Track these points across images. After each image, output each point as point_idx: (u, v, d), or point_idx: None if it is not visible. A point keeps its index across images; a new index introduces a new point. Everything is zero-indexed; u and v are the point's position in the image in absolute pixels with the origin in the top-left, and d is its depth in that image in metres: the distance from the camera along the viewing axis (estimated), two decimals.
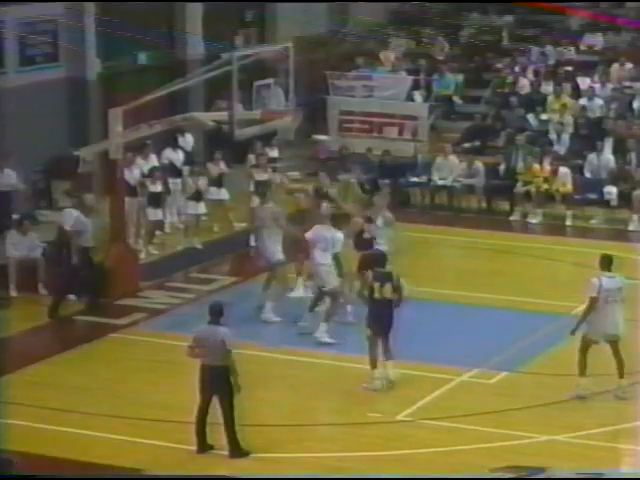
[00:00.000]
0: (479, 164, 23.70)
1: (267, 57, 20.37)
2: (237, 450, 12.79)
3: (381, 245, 16.66)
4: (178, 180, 21.63)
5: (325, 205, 17.62)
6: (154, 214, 20.34)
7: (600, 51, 27.24)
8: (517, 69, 26.60)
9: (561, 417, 13.91)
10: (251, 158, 22.20)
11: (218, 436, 12.93)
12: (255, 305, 17.21)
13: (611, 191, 22.49)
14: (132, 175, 20.16)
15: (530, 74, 26.39)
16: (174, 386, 14.54)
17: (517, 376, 15.15)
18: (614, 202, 22.44)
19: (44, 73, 22.01)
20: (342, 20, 28.73)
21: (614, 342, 14.37)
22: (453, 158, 23.95)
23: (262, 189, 18.28)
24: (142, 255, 19.69)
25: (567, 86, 25.44)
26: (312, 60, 25.10)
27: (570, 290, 17.82)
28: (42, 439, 13.19)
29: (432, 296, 17.60)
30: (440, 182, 23.71)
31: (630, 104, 24.68)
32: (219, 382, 12.65)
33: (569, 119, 24.48)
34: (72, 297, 17.91)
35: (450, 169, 23.82)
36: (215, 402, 12.81)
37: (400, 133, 25.66)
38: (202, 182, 21.08)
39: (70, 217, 18.18)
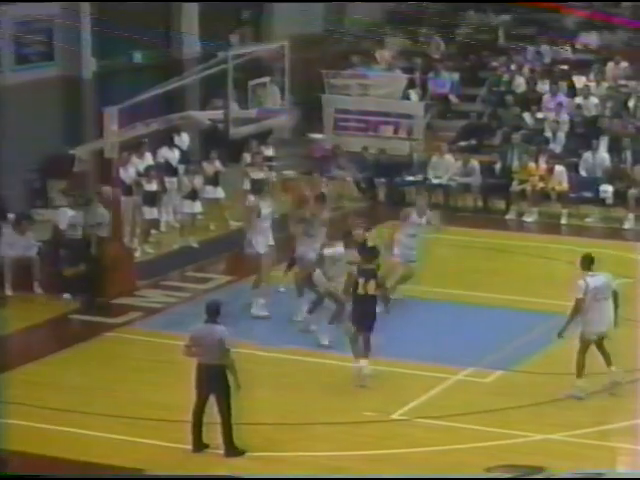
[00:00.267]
0: (475, 163, 23.72)
1: (263, 56, 20.42)
2: (233, 449, 12.80)
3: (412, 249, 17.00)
4: (174, 179, 21.62)
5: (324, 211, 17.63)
6: (149, 213, 20.34)
7: (596, 50, 27.25)
8: (513, 68, 26.61)
9: (557, 416, 13.92)
10: (246, 157, 22.21)
11: (214, 435, 12.93)
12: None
13: (606, 189, 22.51)
14: (127, 174, 20.16)
15: (526, 73, 26.39)
16: (171, 385, 14.52)
17: (513, 375, 15.15)
18: (609, 200, 22.47)
19: (39, 72, 21.98)
20: (338, 19, 28.71)
21: (601, 340, 14.45)
22: (449, 157, 23.96)
23: (258, 187, 18.26)
24: (138, 254, 19.69)
25: (563, 85, 25.46)
26: (308, 59, 25.08)
27: (565, 289, 17.75)
28: (38, 438, 13.17)
29: (428, 295, 17.63)
30: (436, 181, 23.72)
31: (625, 103, 24.71)
32: (216, 381, 12.64)
33: (565, 117, 24.51)
34: (67, 296, 17.92)
35: (446, 168, 23.84)
36: (212, 401, 12.81)
37: (396, 132, 25.67)
38: (198, 181, 21.08)
39: (65, 216, 18.19)
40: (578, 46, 27.50)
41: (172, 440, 13.10)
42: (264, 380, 14.86)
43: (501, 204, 23.13)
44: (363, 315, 14.80)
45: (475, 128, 25.48)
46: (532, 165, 23.02)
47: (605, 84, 25.37)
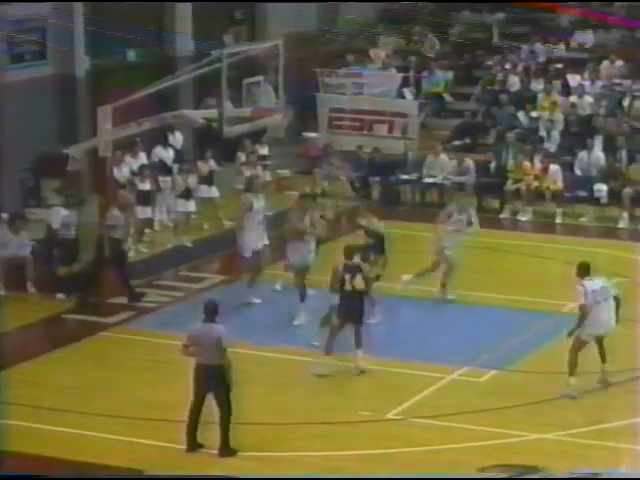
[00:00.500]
0: (469, 162, 23.70)
1: (257, 55, 20.35)
2: (227, 449, 12.77)
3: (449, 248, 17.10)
4: (168, 178, 21.58)
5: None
6: (143, 212, 20.30)
7: (590, 48, 27.24)
8: (507, 66, 26.59)
9: (551, 415, 13.92)
10: (241, 156, 22.17)
11: (207, 435, 12.90)
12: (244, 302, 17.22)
13: (601, 189, 22.50)
14: (121, 173, 20.11)
15: (520, 71, 26.37)
16: (167, 385, 14.51)
17: (507, 374, 15.14)
18: (604, 200, 22.46)
19: (33, 70, 21.92)
20: (332, 18, 28.67)
21: (601, 338, 14.51)
22: (443, 156, 23.94)
23: (250, 184, 18.28)
24: (131, 253, 19.64)
25: (557, 83, 25.44)
26: (302, 58, 25.05)
27: (560, 288, 17.84)
28: (34, 438, 13.13)
29: (422, 294, 17.59)
30: (430, 180, 23.71)
31: (620, 101, 24.69)
32: (214, 380, 12.62)
33: (559, 116, 24.50)
34: (60, 296, 17.88)
35: (440, 167, 23.82)
36: (208, 401, 12.77)
37: (390, 130, 25.64)
38: (192, 180, 21.04)
39: (58, 216, 18.14)
40: (573, 45, 27.49)
41: (169, 440, 13.08)
42: (259, 379, 14.82)
43: (495, 203, 23.11)
44: (350, 311, 14.90)
45: (469, 127, 25.46)
46: (527, 164, 23.00)
47: (599, 83, 25.35)
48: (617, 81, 25.42)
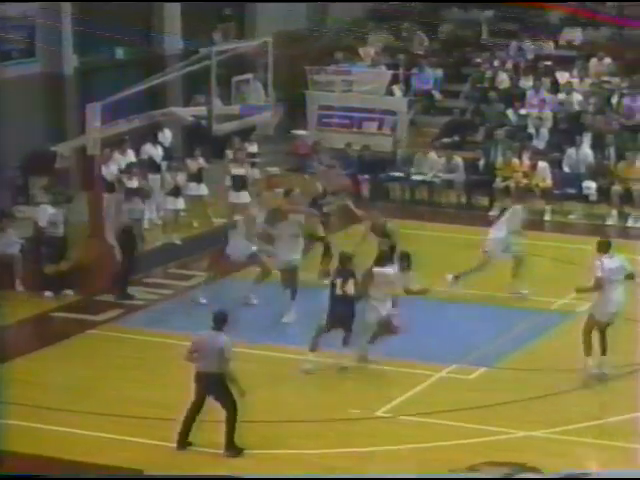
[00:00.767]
0: (458, 159, 23.72)
1: (246, 52, 20.33)
2: (233, 448, 12.75)
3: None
4: (157, 175, 21.54)
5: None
6: None
7: (579, 46, 27.26)
8: (496, 64, 26.60)
9: (540, 412, 13.93)
10: (229, 153, 22.15)
11: (198, 433, 12.89)
12: (233, 301, 17.19)
13: (590, 186, 22.53)
14: (109, 171, 20.06)
15: (509, 69, 26.39)
16: (157, 383, 14.54)
17: (496, 372, 15.15)
18: (593, 197, 22.49)
19: (21, 68, 21.86)
20: (321, 16, 28.65)
21: (607, 326, 14.68)
22: (432, 153, 23.96)
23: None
24: None
25: (546, 81, 25.46)
26: (291, 55, 25.04)
27: (548, 285, 17.89)
28: (23, 436, 13.08)
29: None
30: (419, 177, 23.72)
31: (609, 99, 24.71)
32: (215, 388, 12.68)
33: (548, 114, 24.51)
34: (49, 294, 17.85)
35: (429, 164, 23.83)
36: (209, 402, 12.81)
37: (379, 128, 25.63)
38: (181, 177, 21.01)
39: (45, 213, 18.10)
40: (561, 42, 27.50)
41: (161, 438, 13.05)
42: (251, 378, 14.76)
43: (485, 200, 23.13)
44: (340, 316, 14.86)
45: (458, 124, 25.45)
46: (515, 161, 23.02)
47: (588, 80, 25.37)
48: (606, 79, 25.44)
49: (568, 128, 24.16)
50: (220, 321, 12.81)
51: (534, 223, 22.11)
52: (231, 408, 12.71)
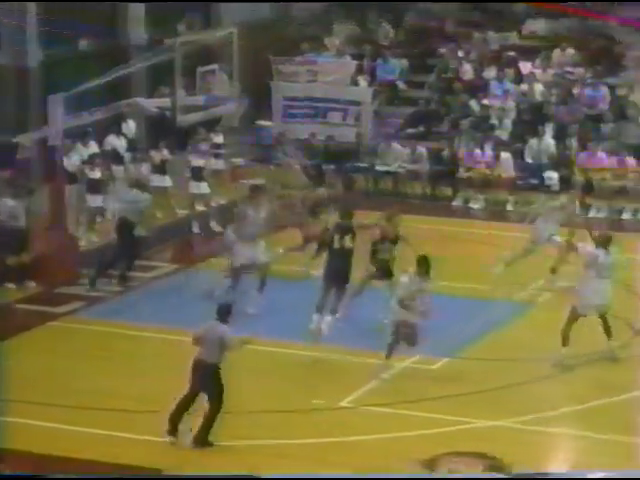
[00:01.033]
0: (422, 150, 23.80)
1: (211, 43, 20.29)
2: (203, 440, 12.74)
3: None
4: (121, 167, 21.47)
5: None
6: (93, 201, 20.19)
7: (542, 37, 27.37)
8: (460, 54, 26.67)
9: (503, 402, 14.02)
10: (193, 145, 22.10)
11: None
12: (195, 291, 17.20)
13: (552, 176, 22.67)
14: (71, 162, 19.99)
15: (473, 59, 26.46)
16: (118, 373, 14.52)
17: (460, 362, 15.24)
18: (555, 187, 22.63)
19: None
20: (286, 7, 28.61)
21: (603, 314, 14.83)
22: (397, 144, 24.02)
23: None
24: (82, 242, 19.56)
25: (510, 71, 25.56)
26: (257, 46, 24.98)
27: (510, 276, 17.99)
28: None
29: (374, 282, 17.60)
30: (384, 168, 23.78)
31: (571, 90, 24.85)
32: (209, 378, 12.71)
33: (511, 104, 24.62)
34: (11, 285, 17.78)
35: (394, 155, 23.90)
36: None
37: (344, 118, 25.65)
38: (145, 169, 20.96)
39: (5, 206, 17.99)
40: (525, 33, 27.60)
41: (139, 432, 13.01)
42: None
43: (448, 191, 23.23)
44: (337, 269, 15.10)
45: (423, 115, 25.52)
46: (478, 152, 23.13)
47: (551, 71, 25.50)
48: (569, 69, 25.58)
49: (531, 119, 24.30)
50: (223, 313, 12.92)
51: (497, 213, 22.33)
52: (216, 403, 12.68)
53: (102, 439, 12.94)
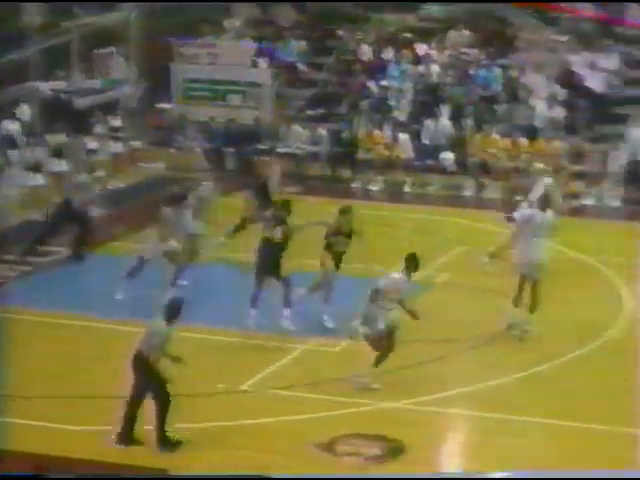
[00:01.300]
0: (322, 131, 23.93)
1: (109, 25, 20.14)
2: (166, 443, 12.45)
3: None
4: (16, 151, 21.20)
5: None
6: None
7: (438, 18, 27.64)
8: (359, 36, 26.82)
9: (403, 383, 14.16)
10: (89, 127, 21.92)
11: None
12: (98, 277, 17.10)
13: (448, 157, 22.98)
14: None
15: (371, 41, 26.63)
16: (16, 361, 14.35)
17: (360, 344, 15.32)
18: (451, 168, 22.95)
19: None
20: None
21: (535, 280, 15.18)
22: (297, 125, 24.11)
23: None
24: None
25: (407, 53, 25.79)
26: (156, 28, 24.78)
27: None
28: None
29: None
30: (284, 149, 23.87)
31: (466, 70, 25.17)
32: (139, 370, 12.41)
33: (408, 85, 24.85)
34: None
35: (294, 136, 24.00)
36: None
37: (244, 100, 25.67)
38: (40, 153, 20.73)
39: None
40: (421, 14, 27.85)
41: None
42: (109, 353, 14.70)
43: (348, 173, 23.39)
44: (264, 259, 15.17)
45: (323, 97, 25.66)
46: (377, 133, 23.35)
47: (447, 52, 25.79)
48: (464, 50, 25.91)
49: (428, 100, 24.57)
50: (169, 309, 12.49)
51: (395, 195, 22.57)
52: (160, 401, 12.40)
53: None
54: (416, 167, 23.06)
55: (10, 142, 21.26)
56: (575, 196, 22.27)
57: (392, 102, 24.69)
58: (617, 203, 22.18)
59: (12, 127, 21.60)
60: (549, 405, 13.47)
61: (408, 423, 13.09)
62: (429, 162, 23.15)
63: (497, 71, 24.56)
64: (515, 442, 12.63)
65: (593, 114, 23.48)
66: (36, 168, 20.55)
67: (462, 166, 22.85)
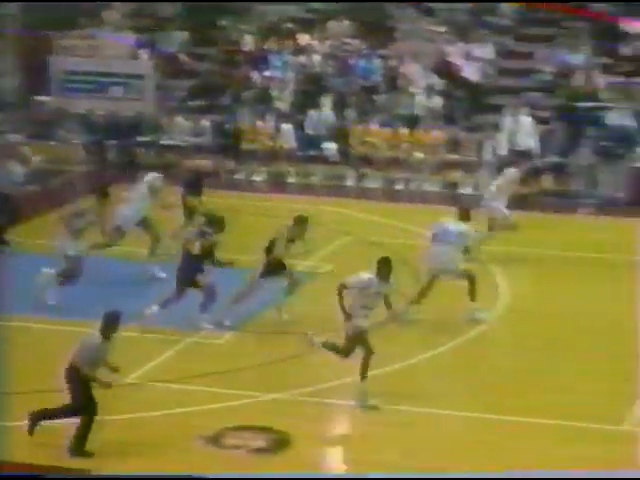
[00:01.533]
0: (205, 123, 23.93)
1: None
2: (79, 450, 12.28)
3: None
4: None
5: None
6: None
7: (318, 9, 27.79)
8: (242, 27, 26.82)
9: (287, 375, 14.30)
10: None
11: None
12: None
13: (330, 147, 23.20)
14: None
15: (254, 31, 26.66)
16: None
17: (245, 335, 15.48)
18: (333, 158, 23.17)
19: None
20: None
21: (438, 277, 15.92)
22: (180, 117, 24.07)
23: None
24: None
25: (289, 43, 25.88)
26: (33, 21, 24.47)
27: (293, 247, 18.26)
28: None
29: (158, 257, 17.63)
30: (167, 142, 23.80)
31: (347, 61, 25.37)
32: (68, 379, 12.28)
33: (290, 76, 24.98)
34: None
35: (177, 128, 23.94)
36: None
37: (125, 92, 25.50)
38: None
39: None
40: (303, 4, 27.95)
41: None
42: (23, 349, 14.61)
43: (231, 164, 23.43)
44: (178, 270, 15.36)
45: (205, 88, 25.62)
46: (260, 124, 23.44)
47: (328, 42, 25.95)
48: (345, 40, 26.12)
49: (310, 90, 24.73)
50: (104, 321, 12.29)
51: (279, 185, 22.70)
52: (87, 413, 12.27)
53: None
54: (299, 157, 23.24)
55: None
56: (453, 185, 22.72)
57: (275, 93, 24.78)
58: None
59: None
60: (428, 395, 13.74)
61: (293, 414, 13.19)
62: (312, 152, 23.34)
63: (376, 62, 24.82)
64: (395, 433, 12.80)
65: (470, 104, 23.94)
66: None
67: (344, 156, 23.09)
